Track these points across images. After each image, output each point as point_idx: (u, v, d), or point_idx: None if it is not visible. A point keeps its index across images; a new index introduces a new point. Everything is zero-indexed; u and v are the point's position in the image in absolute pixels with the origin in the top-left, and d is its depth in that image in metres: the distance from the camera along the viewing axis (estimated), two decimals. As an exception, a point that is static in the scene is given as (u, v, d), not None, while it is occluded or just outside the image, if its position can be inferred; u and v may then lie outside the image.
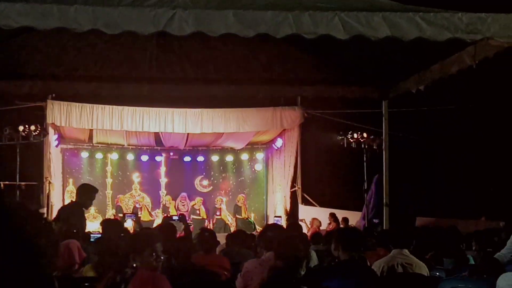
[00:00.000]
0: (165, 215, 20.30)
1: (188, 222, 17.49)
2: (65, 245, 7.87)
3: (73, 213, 9.37)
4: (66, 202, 21.18)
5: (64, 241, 7.99)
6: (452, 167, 19.44)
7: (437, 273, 7.73)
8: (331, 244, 6.87)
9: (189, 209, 22.11)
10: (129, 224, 17.97)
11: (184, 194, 22.65)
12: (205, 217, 21.92)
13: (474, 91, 15.54)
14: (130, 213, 14.01)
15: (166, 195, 22.51)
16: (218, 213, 22.20)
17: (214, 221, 22.03)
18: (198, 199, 22.24)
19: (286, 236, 7.01)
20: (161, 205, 22.46)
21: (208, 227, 19.69)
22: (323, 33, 7.26)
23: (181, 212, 20.66)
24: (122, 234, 7.82)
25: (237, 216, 21.91)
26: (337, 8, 7.40)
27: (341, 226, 17.02)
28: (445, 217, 16.70)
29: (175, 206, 22.18)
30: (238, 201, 22.29)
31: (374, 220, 16.80)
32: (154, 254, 5.38)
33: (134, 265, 5.36)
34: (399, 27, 7.31)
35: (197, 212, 21.88)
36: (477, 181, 19.30)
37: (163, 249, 5.52)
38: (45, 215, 17.24)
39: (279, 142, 22.19)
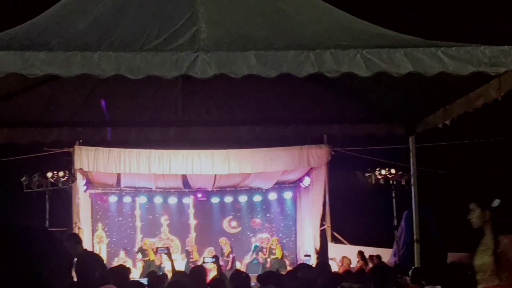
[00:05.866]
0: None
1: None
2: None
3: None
4: (96, 247, 21.29)
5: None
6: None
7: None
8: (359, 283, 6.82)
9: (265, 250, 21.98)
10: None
11: (224, 238, 22.42)
12: (280, 256, 21.67)
13: (501, 124, 15.40)
14: (162, 247, 13.94)
15: (193, 239, 22.29)
16: (274, 253, 21.83)
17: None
18: (274, 239, 22.12)
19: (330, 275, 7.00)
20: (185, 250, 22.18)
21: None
22: (345, 71, 7.26)
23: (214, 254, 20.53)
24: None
25: (272, 256, 21.68)
26: (358, 45, 7.41)
27: (369, 263, 16.82)
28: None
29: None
30: (272, 243, 22.05)
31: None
32: None
33: None
34: (422, 62, 7.28)
35: (274, 251, 21.71)
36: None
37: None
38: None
39: (306, 181, 22.11)
